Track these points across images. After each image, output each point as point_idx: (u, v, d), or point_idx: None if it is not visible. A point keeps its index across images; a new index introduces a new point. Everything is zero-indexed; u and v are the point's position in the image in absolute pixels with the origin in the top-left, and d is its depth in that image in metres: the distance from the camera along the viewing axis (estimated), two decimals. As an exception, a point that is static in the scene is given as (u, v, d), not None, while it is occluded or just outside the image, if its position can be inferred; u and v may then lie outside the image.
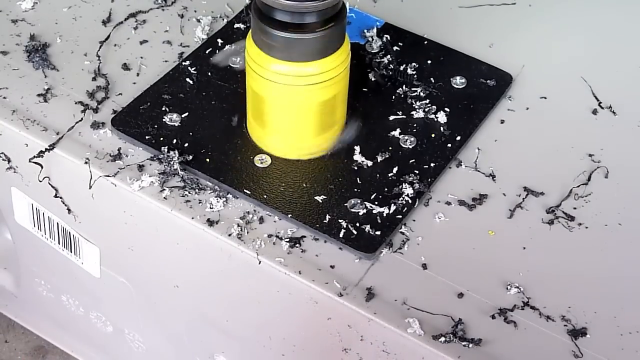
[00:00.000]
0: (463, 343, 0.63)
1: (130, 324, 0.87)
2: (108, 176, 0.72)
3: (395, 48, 0.84)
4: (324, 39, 0.68)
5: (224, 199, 0.71)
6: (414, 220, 0.70)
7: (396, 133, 0.76)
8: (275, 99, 0.71)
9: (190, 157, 0.73)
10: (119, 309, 0.86)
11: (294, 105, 0.71)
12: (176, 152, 0.72)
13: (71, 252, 0.82)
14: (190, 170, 0.72)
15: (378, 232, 0.69)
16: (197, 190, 0.71)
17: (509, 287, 0.67)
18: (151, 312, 0.83)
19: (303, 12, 0.67)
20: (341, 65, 0.70)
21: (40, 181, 0.75)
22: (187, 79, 0.80)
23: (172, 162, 0.72)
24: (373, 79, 0.81)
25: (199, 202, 0.71)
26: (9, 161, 0.78)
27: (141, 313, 0.84)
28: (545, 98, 0.82)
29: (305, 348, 0.72)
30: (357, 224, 0.69)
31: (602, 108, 0.81)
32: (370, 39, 0.84)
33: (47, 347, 1.11)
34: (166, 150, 0.72)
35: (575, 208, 0.73)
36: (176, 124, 0.76)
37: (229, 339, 0.78)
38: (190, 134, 0.75)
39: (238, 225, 0.69)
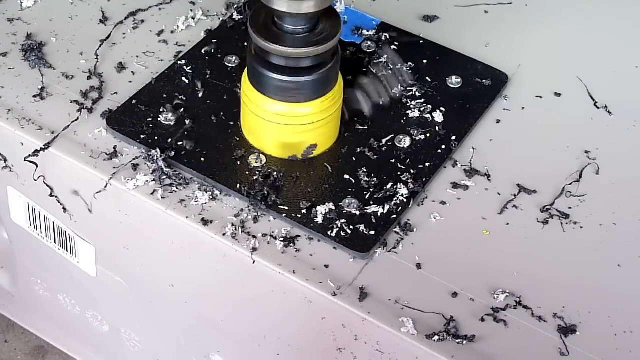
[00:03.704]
0: (457, 340, 0.63)
1: (126, 323, 0.87)
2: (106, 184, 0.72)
3: (392, 47, 0.84)
4: (318, 81, 0.70)
5: (210, 193, 0.71)
6: (408, 220, 0.70)
7: (391, 132, 0.76)
8: (270, 131, 0.72)
9: (185, 156, 0.73)
10: (115, 308, 0.86)
11: (288, 133, 0.72)
12: (158, 150, 0.72)
13: (67, 251, 0.82)
14: (185, 169, 0.72)
15: (372, 232, 0.69)
16: (184, 185, 0.71)
17: (503, 287, 0.67)
18: (147, 311, 0.83)
19: (298, 58, 0.68)
20: (335, 104, 0.72)
21: (36, 180, 0.75)
22: (183, 78, 0.80)
23: (157, 161, 0.72)
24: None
25: (185, 198, 0.71)
26: (4, 160, 0.78)
27: (137, 312, 0.84)
28: (541, 98, 0.82)
29: (299, 347, 0.72)
30: (352, 224, 0.69)
31: (598, 108, 0.81)
32: (366, 38, 0.84)
33: (46, 347, 1.11)
34: (157, 149, 0.72)
35: (570, 207, 0.73)
36: (171, 123, 0.76)
37: (224, 338, 0.78)
38: (186, 133, 0.75)
39: (232, 225, 0.69)
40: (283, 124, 0.71)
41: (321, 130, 0.73)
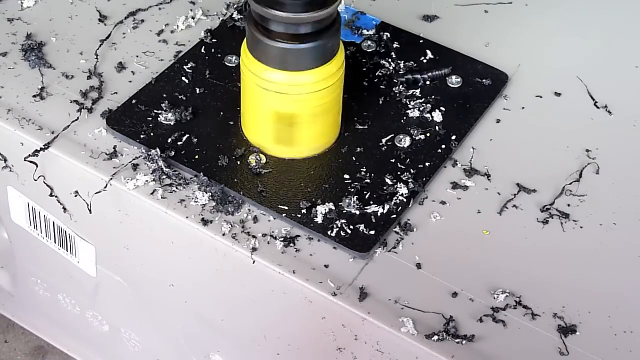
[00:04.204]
0: (456, 340, 0.63)
1: (126, 323, 0.87)
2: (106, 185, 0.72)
3: (393, 46, 0.84)
4: (318, 48, 0.68)
5: (209, 194, 0.71)
6: (408, 220, 0.70)
7: (391, 132, 0.76)
8: (269, 106, 0.71)
9: (185, 155, 0.73)
10: (115, 308, 0.86)
11: (288, 112, 0.71)
12: (157, 150, 0.72)
13: (67, 250, 0.82)
14: (185, 169, 0.72)
15: (372, 232, 0.69)
16: (183, 185, 0.71)
17: (502, 287, 0.67)
18: (147, 311, 0.83)
19: (298, 24, 0.67)
20: (335, 74, 0.71)
21: (36, 180, 0.75)
22: (183, 78, 0.80)
23: (157, 160, 0.72)
24: (368, 78, 0.81)
25: (185, 198, 0.71)
26: (4, 160, 0.78)
27: (137, 312, 0.84)
28: (540, 97, 0.82)
29: (299, 347, 0.72)
30: (351, 224, 0.69)
31: (598, 108, 0.81)
32: (366, 38, 0.84)
33: (46, 347, 1.11)
34: (156, 149, 0.72)
35: (569, 205, 0.73)
36: (171, 123, 0.76)
37: (224, 338, 0.78)
38: (185, 132, 0.75)
39: (232, 225, 0.69)
40: (283, 93, 0.70)
41: (321, 110, 0.72)
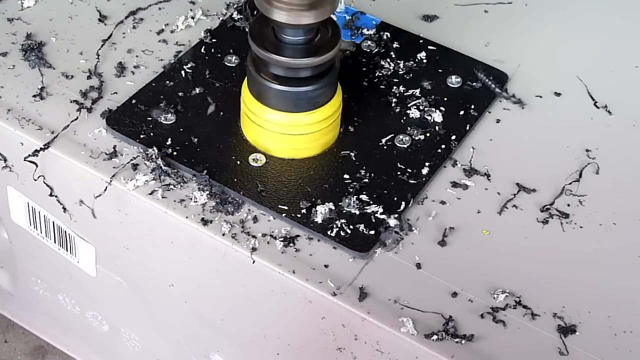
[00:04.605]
0: (455, 340, 0.63)
1: (126, 323, 0.87)
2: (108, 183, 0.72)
3: (393, 46, 0.84)
4: (317, 92, 0.70)
5: (207, 192, 0.71)
6: (408, 220, 0.70)
7: (391, 132, 0.76)
8: (269, 137, 0.73)
9: (185, 155, 0.73)
10: (115, 308, 0.86)
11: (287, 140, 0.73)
12: (155, 149, 0.72)
13: (67, 250, 0.82)
14: (184, 169, 0.72)
15: (372, 232, 0.69)
16: (182, 184, 0.71)
17: (502, 287, 0.67)
18: (147, 311, 0.83)
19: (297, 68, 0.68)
20: (335, 114, 0.72)
21: (36, 180, 0.75)
22: (183, 78, 0.80)
23: (156, 160, 0.72)
24: (368, 78, 0.81)
25: (184, 198, 0.71)
26: (4, 160, 0.78)
27: (137, 312, 0.84)
28: (540, 97, 0.82)
29: (299, 347, 0.72)
30: (351, 224, 0.69)
31: (598, 108, 0.81)
32: (365, 38, 0.84)
33: (46, 347, 1.11)
34: (154, 148, 0.72)
35: (569, 205, 0.73)
36: (171, 123, 0.76)
37: (224, 338, 0.78)
38: (185, 132, 0.75)
39: (232, 225, 0.69)
40: (282, 134, 0.72)
41: (320, 136, 0.73)
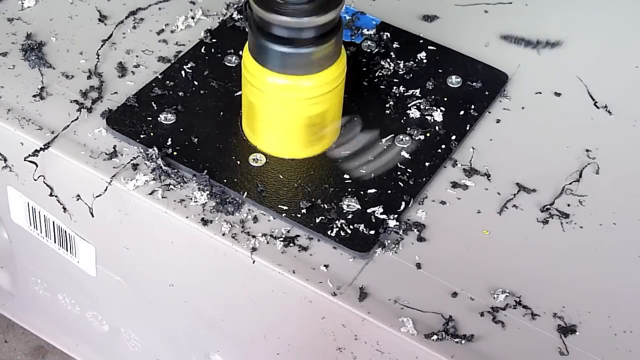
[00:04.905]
0: (455, 340, 0.63)
1: (126, 323, 0.87)
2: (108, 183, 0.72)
3: (393, 46, 0.84)
4: (319, 53, 0.68)
5: (207, 192, 0.71)
6: (408, 220, 0.70)
7: (391, 132, 0.76)
8: (269, 109, 0.71)
9: (185, 155, 0.73)
10: (115, 308, 0.86)
11: (287, 116, 0.71)
12: (155, 149, 0.72)
13: (67, 250, 0.82)
14: (185, 169, 0.73)
15: (372, 232, 0.69)
16: (182, 184, 0.71)
17: (502, 287, 0.67)
18: (147, 311, 0.83)
19: (300, 28, 0.67)
20: (337, 79, 0.71)
21: (36, 180, 0.75)
22: (183, 78, 0.80)
23: (156, 159, 0.72)
24: (368, 78, 0.81)
25: (184, 198, 0.71)
26: (4, 160, 0.78)
27: (137, 312, 0.84)
28: (541, 97, 0.82)
29: (299, 347, 0.72)
30: (351, 224, 0.69)
31: (598, 108, 0.81)
32: (366, 38, 0.84)
33: (46, 347, 1.11)
34: (154, 148, 0.72)
35: (569, 205, 0.73)
36: (171, 123, 0.76)
37: (224, 337, 0.78)
38: (186, 132, 0.75)
39: (232, 225, 0.69)
40: (284, 97, 0.70)
41: (324, 104, 0.71)
